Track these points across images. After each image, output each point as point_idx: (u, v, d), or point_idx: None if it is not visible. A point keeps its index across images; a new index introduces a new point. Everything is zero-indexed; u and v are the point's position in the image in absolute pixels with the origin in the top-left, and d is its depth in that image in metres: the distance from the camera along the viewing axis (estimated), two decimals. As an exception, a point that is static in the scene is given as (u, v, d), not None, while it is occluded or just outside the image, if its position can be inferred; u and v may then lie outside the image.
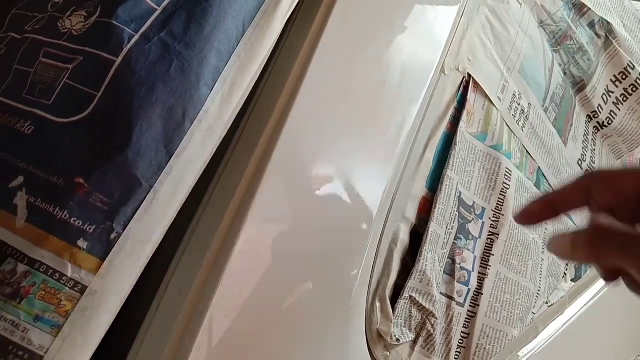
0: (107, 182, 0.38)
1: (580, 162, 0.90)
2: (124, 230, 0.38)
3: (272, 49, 0.49)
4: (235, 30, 0.45)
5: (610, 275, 0.35)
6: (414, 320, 0.60)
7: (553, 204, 0.37)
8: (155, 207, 0.39)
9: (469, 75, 0.69)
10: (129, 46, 0.41)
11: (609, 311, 1.06)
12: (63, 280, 0.36)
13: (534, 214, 0.38)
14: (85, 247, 0.37)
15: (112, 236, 0.38)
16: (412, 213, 0.61)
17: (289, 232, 0.50)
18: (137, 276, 0.39)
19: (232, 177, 0.48)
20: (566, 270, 0.87)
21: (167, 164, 0.40)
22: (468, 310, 0.67)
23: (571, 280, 0.91)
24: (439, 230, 0.62)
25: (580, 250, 0.33)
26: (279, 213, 0.50)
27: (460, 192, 0.67)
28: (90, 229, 0.37)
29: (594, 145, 0.95)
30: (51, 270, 0.36)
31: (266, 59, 0.48)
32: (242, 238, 0.45)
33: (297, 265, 0.50)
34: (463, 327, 0.67)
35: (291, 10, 0.50)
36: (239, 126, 0.49)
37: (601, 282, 1.04)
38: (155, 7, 0.44)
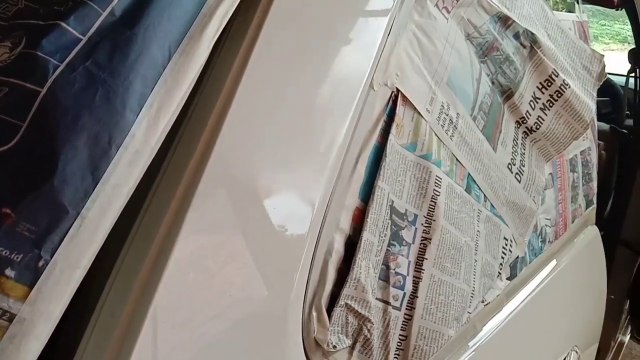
0: (33, 210, 0.39)
1: (510, 166, 0.95)
2: (51, 257, 0.39)
3: (199, 72, 0.50)
4: (161, 57, 0.47)
5: None
6: (351, 326, 0.62)
7: None
8: (83, 233, 0.40)
9: (397, 90, 0.72)
10: (54, 76, 0.42)
11: (545, 306, 1.12)
12: (-10, 310, 0.37)
13: None
14: (12, 275, 0.38)
15: (40, 263, 0.39)
16: (346, 223, 0.64)
17: (222, 248, 0.52)
18: (67, 301, 0.40)
19: (165, 196, 0.49)
20: (500, 269, 0.92)
21: (93, 190, 0.41)
22: (405, 314, 0.70)
23: (507, 278, 0.96)
24: (372, 238, 0.65)
25: None
26: (213, 229, 0.52)
27: (393, 201, 0.70)
28: (17, 257, 0.38)
29: (524, 149, 1.01)
30: (-22, 300, 0.37)
31: (194, 83, 0.50)
32: (174, 257, 0.47)
33: (232, 280, 0.52)
34: (401, 329, 0.70)
35: (218, 35, 0.52)
36: (168, 148, 0.51)
37: (537, 280, 1.10)
38: (80, 37, 0.45)
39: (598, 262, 1.38)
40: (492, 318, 0.93)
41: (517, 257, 0.99)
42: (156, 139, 0.45)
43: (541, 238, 1.11)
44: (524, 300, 1.03)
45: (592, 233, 1.36)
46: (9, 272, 0.38)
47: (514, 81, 0.98)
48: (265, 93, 0.57)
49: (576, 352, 1.19)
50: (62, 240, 0.39)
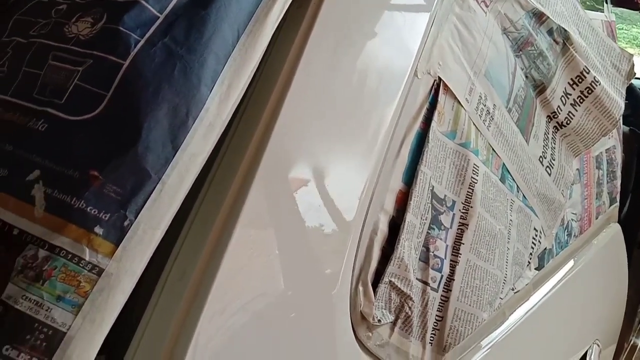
0: (119, 174, 0.42)
1: (541, 159, 0.97)
2: (135, 217, 0.42)
3: (263, 53, 0.53)
4: (231, 36, 0.50)
5: None
6: (393, 303, 0.65)
7: None
8: (164, 197, 0.43)
9: (439, 79, 0.75)
10: (135, 50, 0.45)
11: (569, 299, 1.14)
12: (82, 264, 0.40)
13: None
14: (101, 233, 0.40)
15: (125, 223, 0.41)
16: (390, 205, 0.66)
17: (282, 222, 0.55)
18: (148, 260, 0.43)
19: (229, 170, 0.52)
20: (530, 259, 0.94)
21: (173, 157, 0.44)
22: (441, 295, 0.73)
23: (535, 269, 0.97)
24: (414, 220, 0.67)
25: None
26: (270, 207, 0.54)
27: (433, 186, 0.72)
28: (105, 216, 0.41)
29: (554, 144, 1.02)
30: (70, 255, 0.40)
31: (258, 63, 0.52)
32: (240, 222, 0.49)
33: (289, 253, 0.54)
34: (437, 310, 0.72)
35: (280, 18, 0.54)
36: (231, 125, 0.54)
37: (562, 272, 1.12)
38: (158, 14, 0.47)
39: (620, 259, 1.39)
40: (520, 306, 0.95)
41: (545, 248, 1.01)
42: (227, 113, 0.48)
43: (567, 232, 1.12)
44: (550, 291, 1.05)
45: (615, 230, 1.37)
46: (97, 229, 0.40)
47: (546, 76, 1.00)
48: (319, 78, 0.59)
49: (598, 345, 1.20)
50: (145, 202, 0.42)
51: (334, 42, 0.61)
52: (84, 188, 0.41)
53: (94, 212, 0.41)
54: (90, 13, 0.48)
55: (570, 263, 1.14)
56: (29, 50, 0.49)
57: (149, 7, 0.47)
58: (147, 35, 0.46)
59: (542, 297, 1.02)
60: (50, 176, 0.42)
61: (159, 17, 0.47)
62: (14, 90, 0.48)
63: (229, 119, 0.49)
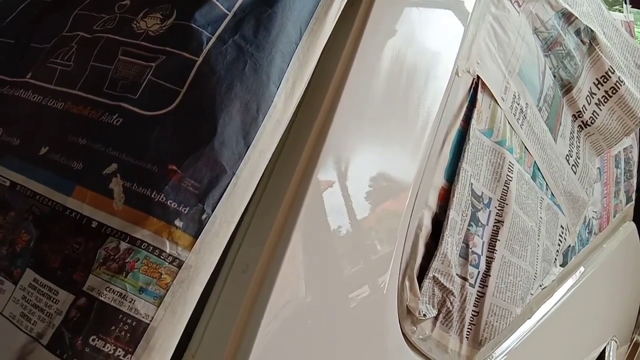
0: (197, 168, 0.43)
1: (567, 157, 0.99)
2: (213, 211, 0.43)
3: (322, 50, 0.54)
4: (295, 35, 0.51)
5: None
6: (436, 298, 0.66)
7: None
8: (237, 191, 0.44)
9: (478, 77, 0.76)
10: (207, 47, 0.46)
11: (589, 296, 1.15)
12: (163, 256, 0.41)
13: None
14: (181, 226, 0.41)
15: (203, 216, 0.42)
16: (433, 202, 0.67)
17: (336, 219, 0.56)
18: (221, 252, 0.44)
19: (288, 166, 0.53)
20: (556, 256, 0.96)
21: (245, 153, 0.45)
22: (478, 291, 0.74)
23: (560, 265, 0.99)
24: (456, 217, 0.69)
25: None
26: (328, 202, 0.55)
27: (472, 183, 0.73)
28: (184, 210, 0.42)
29: (579, 142, 1.04)
30: (152, 247, 0.41)
31: (317, 60, 0.53)
32: (300, 218, 0.50)
33: (344, 249, 0.55)
34: (474, 306, 0.74)
35: (337, 17, 0.55)
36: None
37: (583, 269, 1.13)
38: (227, 12, 0.48)
39: (636, 257, 1.41)
40: (545, 302, 0.96)
41: (569, 245, 1.02)
42: (292, 110, 0.49)
43: (588, 229, 1.14)
44: (572, 287, 1.07)
45: (631, 228, 1.39)
46: (177, 222, 0.41)
47: (573, 76, 1.01)
48: (371, 77, 0.60)
49: (615, 341, 1.22)
50: (221, 196, 0.43)
51: (384, 41, 0.62)
52: (163, 182, 0.42)
53: (174, 205, 0.42)
54: (159, 9, 0.49)
55: (590, 260, 1.16)
56: (96, 45, 0.50)
57: (218, 4, 0.48)
58: (218, 32, 0.47)
59: (565, 294, 1.03)
60: (128, 170, 0.43)
61: (227, 15, 0.48)
62: (82, 85, 0.48)
63: (292, 114, 0.50)
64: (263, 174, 0.53)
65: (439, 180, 0.69)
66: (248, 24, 0.48)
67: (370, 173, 0.59)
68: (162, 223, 0.41)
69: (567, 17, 1.00)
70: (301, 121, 0.56)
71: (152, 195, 0.41)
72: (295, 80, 0.50)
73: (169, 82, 0.45)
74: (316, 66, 0.58)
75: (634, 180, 1.39)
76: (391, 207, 0.61)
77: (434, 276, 0.65)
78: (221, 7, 0.48)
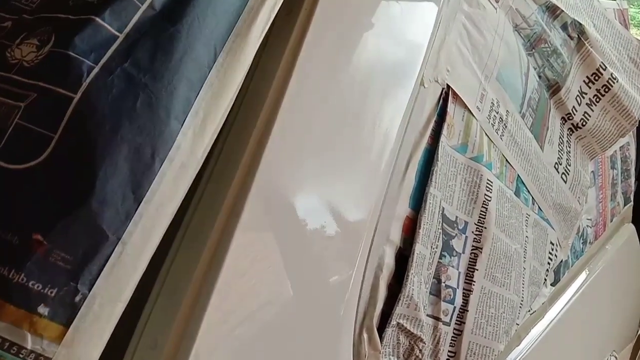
0: (68, 237, 0.34)
1: (556, 165, 0.90)
2: (89, 290, 0.34)
3: (246, 73, 0.45)
4: (207, 57, 0.42)
5: None
6: (402, 347, 0.57)
7: None
8: (125, 261, 0.35)
9: (448, 87, 0.67)
10: (88, 80, 0.37)
11: (586, 311, 1.07)
12: (22, 354, 0.32)
13: None
14: (46, 313, 0.33)
15: (77, 298, 0.34)
16: (396, 235, 0.58)
17: (269, 265, 0.47)
18: (107, 339, 0.35)
19: (207, 216, 0.44)
20: (546, 275, 0.87)
21: (135, 211, 0.36)
22: (454, 329, 0.65)
23: (551, 284, 0.90)
24: (424, 251, 0.60)
25: None
26: (260, 243, 0.47)
27: (443, 208, 0.64)
28: (51, 292, 0.33)
29: (569, 147, 0.95)
30: (7, 343, 0.32)
31: (240, 85, 0.44)
32: (223, 275, 0.42)
33: (281, 302, 0.47)
34: (450, 345, 0.65)
35: (265, 30, 0.46)
36: (209, 160, 0.46)
37: (578, 283, 1.05)
38: (117, 34, 0.39)
39: (635, 260, 1.32)
40: (535, 326, 0.88)
41: (561, 261, 0.94)
42: (203, 150, 0.40)
43: (582, 239, 1.05)
44: (565, 305, 0.98)
45: (629, 231, 1.30)
46: (42, 309, 0.33)
47: (561, 75, 0.92)
48: (314, 95, 0.51)
49: (615, 357, 1.14)
50: (101, 270, 0.34)
51: (330, 52, 0.53)
52: (24, 257, 0.33)
53: (37, 287, 0.33)
54: (37, 34, 0.40)
55: (585, 272, 1.07)
56: (-35, 78, 0.41)
57: (106, 25, 0.39)
58: (102, 61, 0.38)
59: (558, 313, 0.95)
60: (-16, 241, 0.34)
61: (117, 37, 0.39)
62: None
63: (205, 155, 0.41)
64: (174, 228, 0.45)
65: (403, 210, 0.60)
66: (143, 47, 0.39)
67: (314, 212, 0.50)
68: (21, 311, 0.32)
69: (552, 10, 0.91)
70: (227, 156, 0.47)
71: (10, 276, 0.33)
72: (208, 112, 0.41)
73: (39, 127, 0.36)
74: (246, 90, 0.50)
75: (632, 180, 1.30)
76: (342, 249, 0.52)
77: (398, 323, 0.56)
78: (109, 28, 0.39)
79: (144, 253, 0.36)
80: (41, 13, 0.42)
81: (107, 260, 0.35)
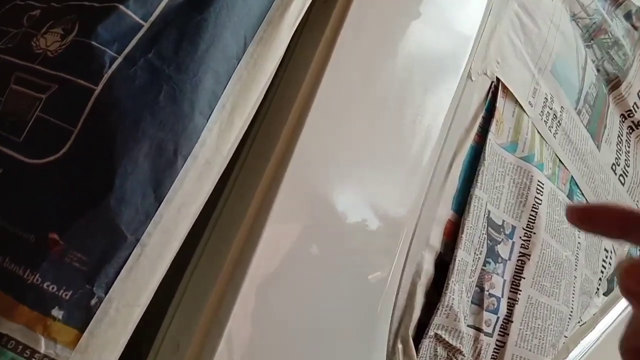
0: (85, 237, 0.32)
1: (614, 166, 0.83)
2: (106, 293, 0.32)
3: (278, 64, 0.42)
4: (236, 47, 0.39)
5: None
6: (440, 359, 0.54)
7: (624, 222, 0.28)
8: (143, 264, 0.33)
9: (498, 80, 0.62)
10: (110, 71, 0.35)
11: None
12: (35, 358, 0.31)
13: (596, 220, 0.30)
14: (60, 316, 0.31)
15: (93, 302, 0.32)
16: (437, 239, 0.55)
17: (301, 271, 0.45)
18: (124, 345, 0.33)
19: (235, 216, 0.42)
20: (599, 284, 0.81)
21: (156, 211, 0.34)
22: (497, 340, 0.61)
23: (603, 294, 0.84)
24: (466, 257, 0.56)
25: None
26: (290, 249, 0.44)
27: (489, 211, 0.60)
28: (66, 294, 0.31)
29: (628, 147, 0.88)
30: (21, 346, 0.31)
31: (271, 77, 0.42)
32: (248, 280, 0.40)
33: (313, 311, 0.44)
34: (491, 358, 0.61)
35: (300, 18, 0.43)
36: (239, 156, 0.43)
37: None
38: (142, 22, 0.37)
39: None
40: (584, 337, 0.82)
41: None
42: (229, 147, 0.38)
43: (640, 246, 0.98)
44: (617, 317, 0.91)
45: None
46: (56, 312, 0.31)
47: (622, 69, 0.85)
48: (351, 88, 0.48)
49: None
50: (118, 273, 0.33)
51: (369, 42, 0.50)
52: (40, 256, 0.32)
53: (52, 288, 0.31)
54: (62, 22, 0.39)
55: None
56: (-8, 68, 0.40)
57: (130, 13, 0.37)
58: (126, 51, 0.36)
59: (610, 325, 0.88)
60: (1, 239, 0.33)
61: (142, 26, 0.37)
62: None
63: (232, 152, 0.39)
64: (198, 229, 0.43)
65: (445, 212, 0.56)
66: (168, 37, 0.37)
67: (348, 213, 0.47)
68: (35, 313, 0.31)
69: (615, -2, 0.84)
70: (256, 155, 0.45)
71: (25, 276, 0.31)
72: (236, 106, 0.38)
73: (60, 120, 0.35)
74: (279, 81, 0.47)
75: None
76: (377, 254, 0.49)
77: (435, 333, 0.53)
78: (133, 16, 0.37)
79: (164, 256, 0.34)
80: (68, 1, 0.41)
81: (124, 263, 0.33)
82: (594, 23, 0.80)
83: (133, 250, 0.33)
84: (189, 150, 0.36)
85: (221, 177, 0.39)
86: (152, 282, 0.34)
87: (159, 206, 0.34)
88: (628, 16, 0.86)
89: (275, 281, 0.42)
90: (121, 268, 0.33)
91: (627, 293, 0.26)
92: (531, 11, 0.68)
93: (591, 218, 0.30)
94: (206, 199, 0.37)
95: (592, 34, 0.80)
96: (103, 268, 0.32)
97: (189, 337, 0.38)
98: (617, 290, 0.90)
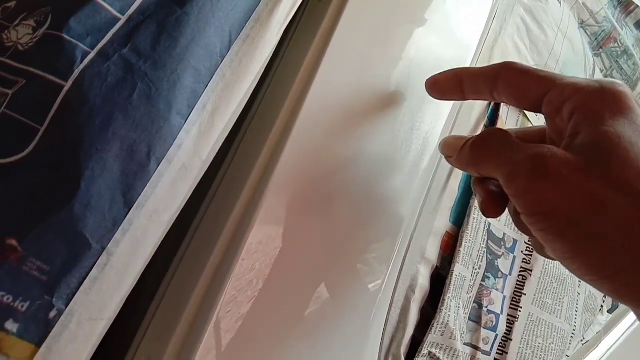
0: (46, 244, 0.30)
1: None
2: (66, 306, 0.30)
3: (266, 64, 0.40)
4: (220, 44, 0.37)
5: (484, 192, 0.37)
6: (433, 379, 0.51)
7: (461, 83, 0.36)
8: (109, 274, 0.31)
9: (501, 87, 0.59)
10: (81, 67, 0.33)
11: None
12: (-15, 376, 0.28)
13: (440, 85, 0.39)
14: (15, 330, 0.29)
15: (52, 314, 0.29)
16: (433, 252, 0.52)
17: (280, 283, 0.42)
18: (86, 361, 0.31)
19: (216, 224, 0.39)
20: (603, 302, 0.78)
21: (125, 218, 0.31)
22: (495, 359, 0.58)
23: (607, 311, 0.81)
24: (464, 272, 0.53)
25: (465, 152, 0.34)
26: (275, 257, 0.42)
27: (490, 224, 0.57)
28: (22, 306, 0.29)
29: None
30: (-31, 362, 0.28)
31: (258, 78, 0.39)
32: (227, 290, 0.37)
33: (301, 325, 0.42)
34: (489, 378, 0.58)
35: (291, 16, 0.41)
36: (223, 162, 0.41)
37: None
38: (119, 16, 0.35)
39: None
40: (586, 356, 0.79)
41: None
42: (209, 151, 0.35)
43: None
44: (621, 335, 0.88)
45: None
46: (10, 325, 0.29)
47: (631, 78, 0.82)
48: (344, 92, 0.46)
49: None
50: (81, 283, 0.30)
51: (365, 46, 0.48)
52: (-5, 264, 0.29)
53: (7, 299, 0.29)
54: (36, 14, 0.36)
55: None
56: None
57: (106, 5, 0.35)
58: (99, 46, 0.34)
59: (614, 343, 0.85)
60: (-45, 243, 0.30)
61: (119, 20, 0.35)
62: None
63: (212, 157, 0.36)
64: (177, 238, 0.40)
65: (443, 224, 0.54)
66: (146, 32, 0.35)
67: (337, 221, 0.45)
68: (-13, 326, 0.29)
69: (625, 5, 0.81)
70: (239, 160, 0.42)
71: (-22, 285, 0.29)
72: (217, 107, 0.36)
73: (26, 118, 0.32)
74: (265, 83, 0.45)
75: None
76: (368, 267, 0.46)
77: (429, 352, 0.50)
78: (110, 9, 0.35)
79: (133, 266, 0.32)
80: (45, -8, 0.38)
81: (88, 273, 0.30)
82: (603, 31, 0.77)
83: (98, 259, 0.31)
84: (164, 153, 0.33)
85: (205, 181, 0.37)
86: (118, 294, 0.31)
87: (128, 212, 0.32)
88: (638, 25, 0.83)
89: (252, 292, 0.40)
90: (84, 278, 0.30)
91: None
92: (538, 16, 0.66)
93: (437, 81, 0.39)
94: (182, 205, 0.35)
95: (601, 42, 0.77)
96: (64, 278, 0.30)
97: (162, 354, 0.36)
98: (622, 307, 0.87)
